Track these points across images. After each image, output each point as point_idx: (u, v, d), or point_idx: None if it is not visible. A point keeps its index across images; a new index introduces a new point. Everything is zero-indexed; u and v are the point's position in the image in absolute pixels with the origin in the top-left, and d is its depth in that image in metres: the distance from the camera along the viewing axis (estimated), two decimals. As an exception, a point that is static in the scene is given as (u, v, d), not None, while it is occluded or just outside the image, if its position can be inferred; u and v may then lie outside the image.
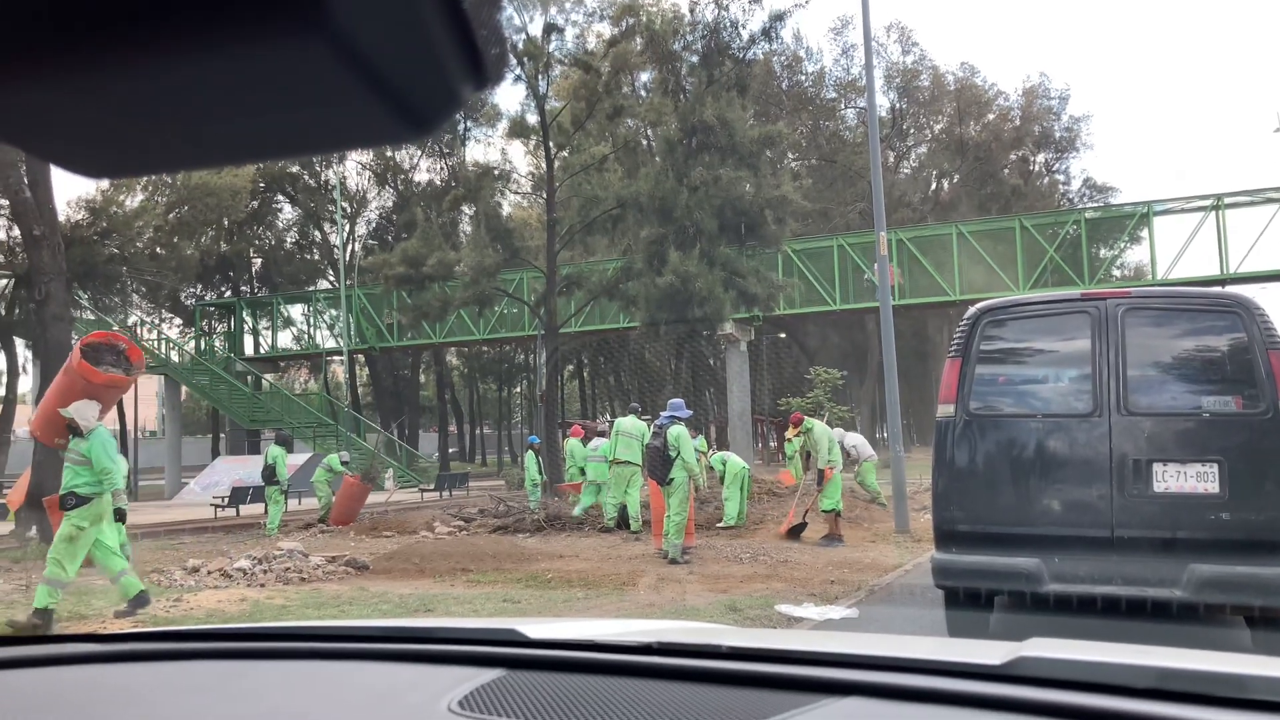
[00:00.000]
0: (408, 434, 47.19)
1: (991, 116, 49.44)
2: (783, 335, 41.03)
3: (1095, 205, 44.59)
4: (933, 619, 7.33)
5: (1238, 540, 5.95)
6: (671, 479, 11.59)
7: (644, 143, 30.67)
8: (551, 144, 25.25)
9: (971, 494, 6.58)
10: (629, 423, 15.29)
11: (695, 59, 26.96)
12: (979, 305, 6.88)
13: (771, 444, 40.71)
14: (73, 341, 21.83)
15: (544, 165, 26.17)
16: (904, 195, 46.57)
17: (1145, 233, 32.18)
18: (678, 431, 11.81)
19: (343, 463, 20.21)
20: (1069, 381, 6.51)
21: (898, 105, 48.42)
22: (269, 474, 17.52)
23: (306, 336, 42.53)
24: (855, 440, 18.85)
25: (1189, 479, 6.10)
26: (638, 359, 47.07)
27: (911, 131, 50.51)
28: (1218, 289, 6.92)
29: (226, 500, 21.73)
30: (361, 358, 45.26)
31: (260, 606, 9.12)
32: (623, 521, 15.16)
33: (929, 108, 49.68)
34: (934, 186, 50.62)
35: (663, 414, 12.27)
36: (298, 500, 23.17)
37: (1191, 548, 5.98)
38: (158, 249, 36.06)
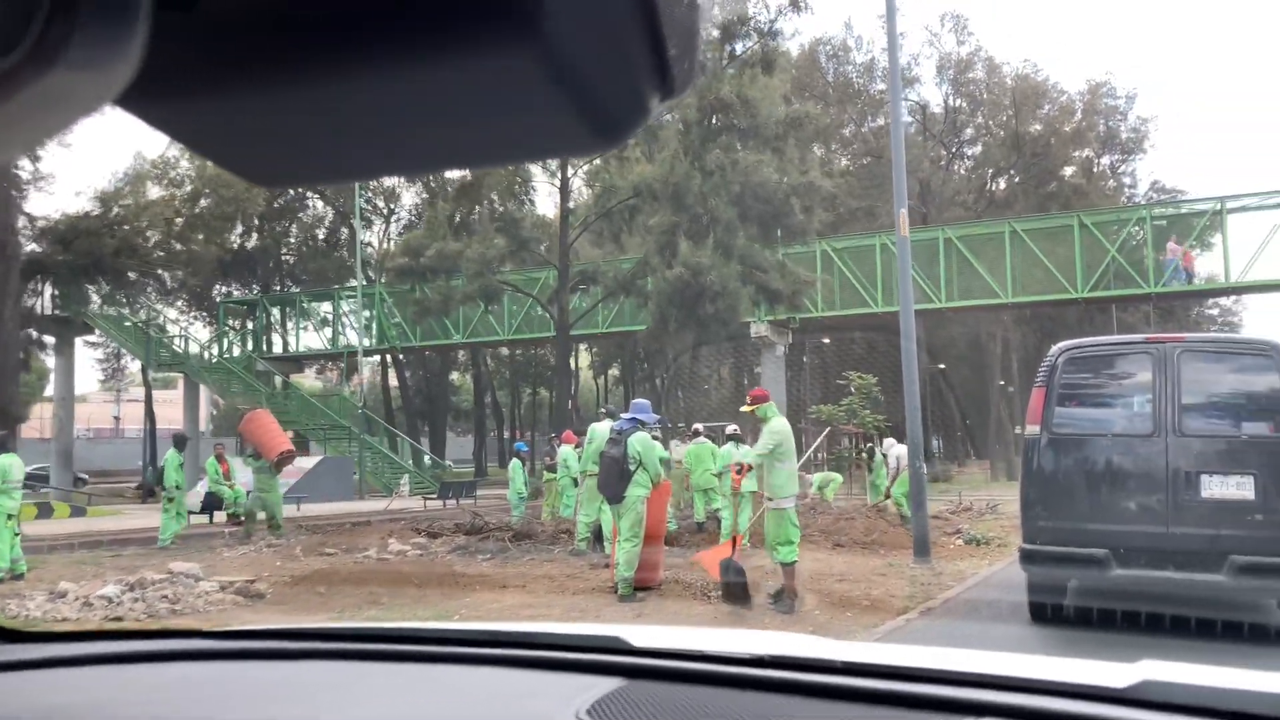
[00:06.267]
0: (431, 438, 45.65)
1: (1050, 109, 46.31)
2: (826, 340, 38.66)
3: (1163, 200, 41.40)
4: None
5: (1269, 536, 7.37)
6: (624, 496, 9.51)
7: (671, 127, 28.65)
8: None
9: (1054, 496, 8.07)
10: (603, 428, 13.17)
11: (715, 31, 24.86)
12: (1059, 346, 8.46)
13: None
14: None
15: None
16: (957, 194, 43.89)
17: (1217, 239, 29.43)
18: (639, 438, 9.77)
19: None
20: (1134, 408, 8.03)
21: (951, 100, 45.73)
22: (158, 478, 15.41)
23: (331, 335, 41.13)
24: (900, 451, 16.97)
25: (1230, 487, 7.59)
26: (681, 363, 45.05)
27: (968, 127, 47.67)
28: (1256, 337, 9.39)
29: (200, 508, 20.24)
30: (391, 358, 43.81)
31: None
32: (599, 540, 13.13)
33: (983, 101, 46.81)
34: (989, 185, 47.74)
35: (623, 416, 10.24)
36: (295, 506, 21.58)
37: (1231, 542, 7.41)
38: (172, 242, 34.80)
